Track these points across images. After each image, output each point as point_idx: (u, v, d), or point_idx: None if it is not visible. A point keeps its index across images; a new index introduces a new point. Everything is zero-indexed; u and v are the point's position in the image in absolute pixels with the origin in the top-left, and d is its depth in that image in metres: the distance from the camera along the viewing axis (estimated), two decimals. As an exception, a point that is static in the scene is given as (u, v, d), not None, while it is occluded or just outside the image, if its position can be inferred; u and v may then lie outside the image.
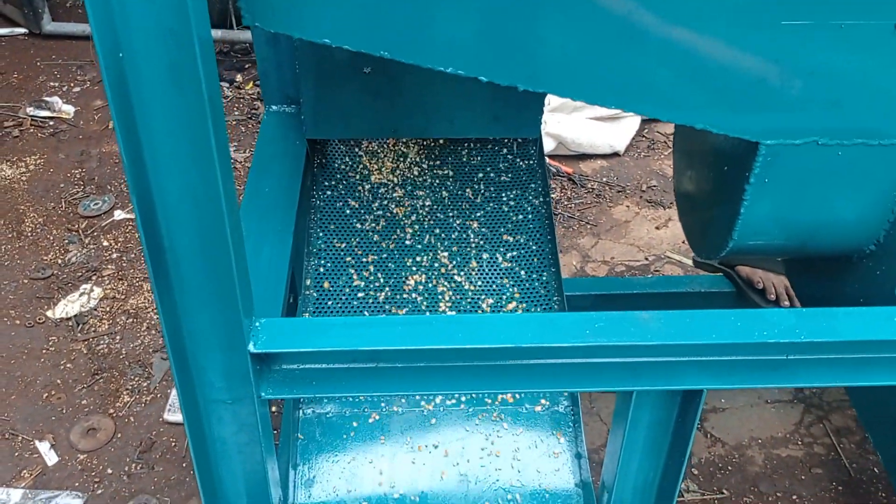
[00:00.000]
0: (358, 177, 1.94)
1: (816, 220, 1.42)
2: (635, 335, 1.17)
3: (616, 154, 3.75)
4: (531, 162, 1.96)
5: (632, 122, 3.80)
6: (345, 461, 1.56)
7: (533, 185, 1.92)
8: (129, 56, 0.94)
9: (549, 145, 3.63)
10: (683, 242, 3.27)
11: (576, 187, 3.59)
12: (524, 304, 1.72)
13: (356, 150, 1.99)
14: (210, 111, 0.98)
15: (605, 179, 3.64)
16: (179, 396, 1.24)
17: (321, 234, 1.84)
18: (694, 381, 1.23)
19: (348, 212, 1.88)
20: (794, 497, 2.42)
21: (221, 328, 1.15)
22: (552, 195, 3.38)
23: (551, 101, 3.78)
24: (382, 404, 1.62)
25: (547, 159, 3.65)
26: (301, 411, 1.62)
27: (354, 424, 1.62)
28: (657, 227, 3.39)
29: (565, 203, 3.49)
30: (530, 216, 1.88)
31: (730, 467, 2.49)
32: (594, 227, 3.38)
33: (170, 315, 1.15)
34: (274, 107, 1.93)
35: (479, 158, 1.97)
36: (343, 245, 1.82)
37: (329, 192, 1.91)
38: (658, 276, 3.12)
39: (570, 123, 3.66)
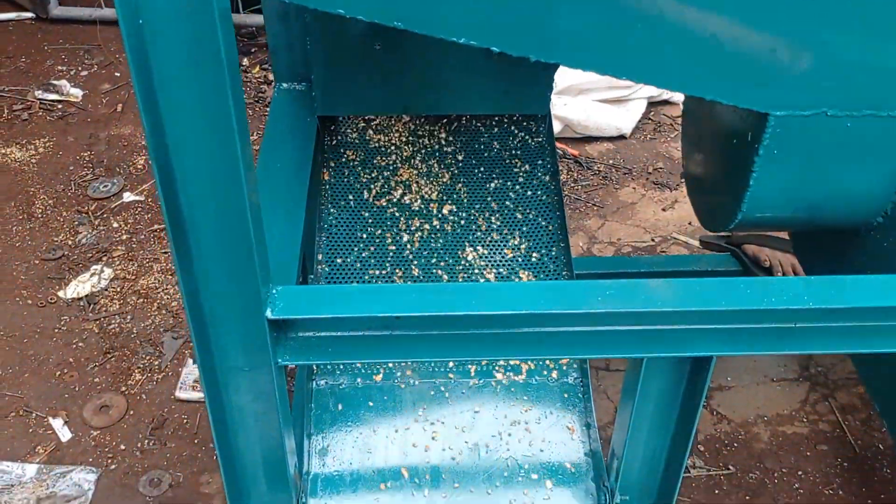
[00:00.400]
0: (369, 153, 1.96)
1: (825, 192, 1.44)
2: (645, 302, 1.19)
3: (622, 137, 3.76)
4: (540, 139, 1.98)
5: (638, 105, 3.80)
6: (358, 432, 1.58)
7: (542, 162, 1.94)
8: (149, 23, 0.96)
9: (556, 127, 3.64)
10: (690, 224, 3.28)
11: (582, 169, 3.60)
12: (534, 278, 1.74)
13: (367, 126, 2.00)
14: (229, 78, 0.99)
15: (611, 162, 3.65)
16: (199, 366, 1.26)
17: (332, 211, 1.85)
18: (703, 348, 1.25)
19: (359, 187, 1.89)
20: (800, 473, 2.44)
21: (239, 296, 1.16)
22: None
23: (557, 83, 3.78)
24: (397, 374, 1.64)
25: (553, 141, 3.66)
26: (314, 383, 1.64)
27: (369, 400, 1.64)
28: (663, 209, 3.40)
29: (571, 185, 3.50)
30: (539, 192, 1.89)
31: (735, 444, 2.52)
32: (600, 209, 3.39)
33: (189, 284, 1.16)
34: (284, 84, 1.94)
35: (488, 136, 1.98)
36: (354, 220, 1.84)
37: (340, 169, 1.93)
38: (665, 255, 3.14)
39: (576, 106, 3.67)
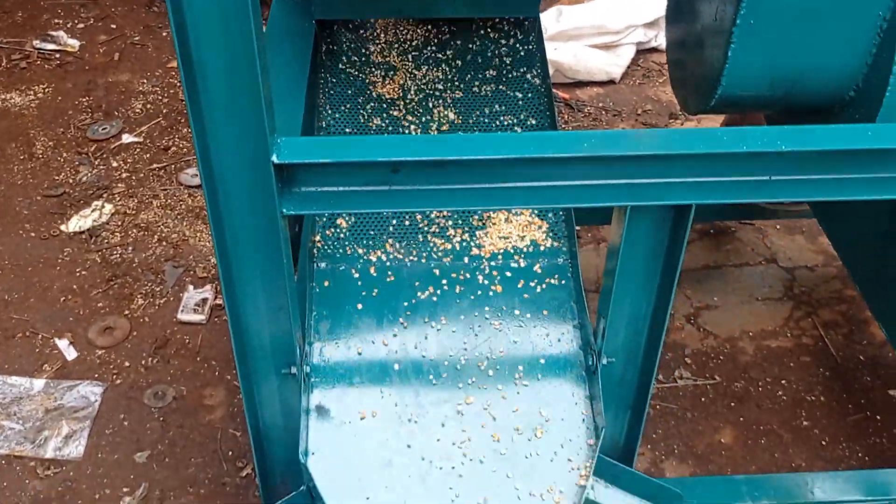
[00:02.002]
0: (365, 58, 2.02)
1: (800, 64, 1.51)
2: (628, 147, 1.26)
3: (612, 81, 3.83)
4: (530, 46, 2.05)
5: (627, 51, 3.87)
6: (356, 309, 1.66)
7: (532, 67, 2.01)
8: None
9: (546, 71, 3.71)
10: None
11: (573, 111, 3.68)
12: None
13: (362, 35, 2.07)
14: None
15: (601, 104, 3.73)
16: (210, 222, 1.33)
17: (329, 111, 1.93)
18: (684, 196, 1.33)
19: (359, 84, 1.96)
20: (783, 382, 2.53)
21: (248, 143, 1.23)
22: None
23: (548, 29, 3.85)
24: (395, 259, 1.69)
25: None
26: (316, 264, 1.72)
27: (367, 278, 1.71)
28: (652, 148, 3.48)
29: (563, 126, 3.58)
30: (530, 94, 1.97)
31: (721, 357, 2.61)
32: (591, 148, 3.46)
33: (201, 136, 1.23)
34: (283, -7, 2.01)
35: (480, 42, 2.05)
36: (351, 119, 1.91)
37: (337, 72, 2.00)
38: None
39: (567, 50, 3.74)
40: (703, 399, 2.48)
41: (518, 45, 2.06)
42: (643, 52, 3.99)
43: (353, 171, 1.28)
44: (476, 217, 1.78)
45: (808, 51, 1.48)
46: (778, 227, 3.05)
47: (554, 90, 3.75)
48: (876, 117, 1.48)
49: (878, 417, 2.43)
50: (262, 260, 1.37)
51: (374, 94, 1.98)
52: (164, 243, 2.97)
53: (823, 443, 2.37)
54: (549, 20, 3.90)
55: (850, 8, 1.43)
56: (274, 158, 1.24)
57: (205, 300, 2.74)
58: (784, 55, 1.49)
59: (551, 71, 3.73)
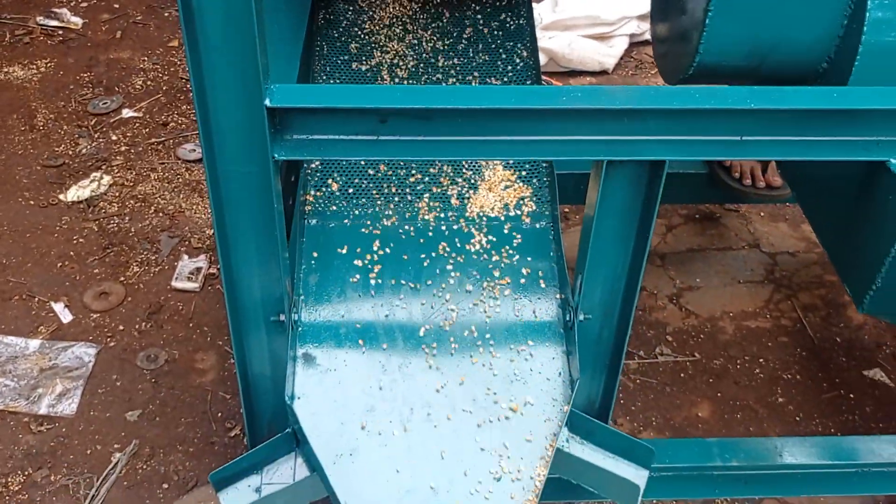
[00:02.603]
0: (359, 30, 2.09)
1: (774, 35, 1.58)
2: (603, 101, 1.32)
3: (605, 72, 3.90)
4: (520, 21, 2.12)
5: (620, 42, 3.94)
6: (344, 266, 1.72)
7: (521, 42, 2.08)
8: None
9: (540, 60, 3.77)
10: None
11: (565, 100, 3.74)
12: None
13: (359, 4, 2.13)
14: None
15: (593, 93, 3.79)
16: (206, 169, 1.39)
17: (324, 78, 1.99)
18: (657, 152, 1.39)
19: (354, 53, 2.02)
20: (761, 360, 2.59)
21: (241, 86, 1.29)
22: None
23: (543, 19, 3.92)
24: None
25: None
26: (307, 221, 1.78)
27: (358, 246, 1.77)
28: (642, 136, 3.55)
29: (555, 113, 3.64)
30: (520, 67, 2.03)
31: (702, 335, 2.67)
32: (582, 135, 3.53)
33: (199, 80, 1.29)
34: (281, -36, 2.07)
35: (472, 17, 2.12)
36: (348, 82, 1.97)
37: (333, 40, 2.06)
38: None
39: (562, 40, 3.80)
40: (682, 375, 2.54)
41: (508, 20, 2.13)
42: (636, 44, 4.06)
43: (342, 118, 1.34)
44: (463, 180, 1.84)
45: (781, 21, 1.55)
46: (762, 214, 3.12)
47: (548, 79, 3.83)
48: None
49: (852, 396, 2.49)
50: (254, 206, 1.43)
51: (370, 62, 2.04)
52: (161, 214, 3.03)
53: (797, 418, 2.43)
54: (545, 10, 3.97)
55: (822, -19, 1.50)
56: (267, 102, 1.30)
57: (199, 269, 2.80)
58: (758, 25, 1.55)
59: (546, 59, 3.81)
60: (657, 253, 2.94)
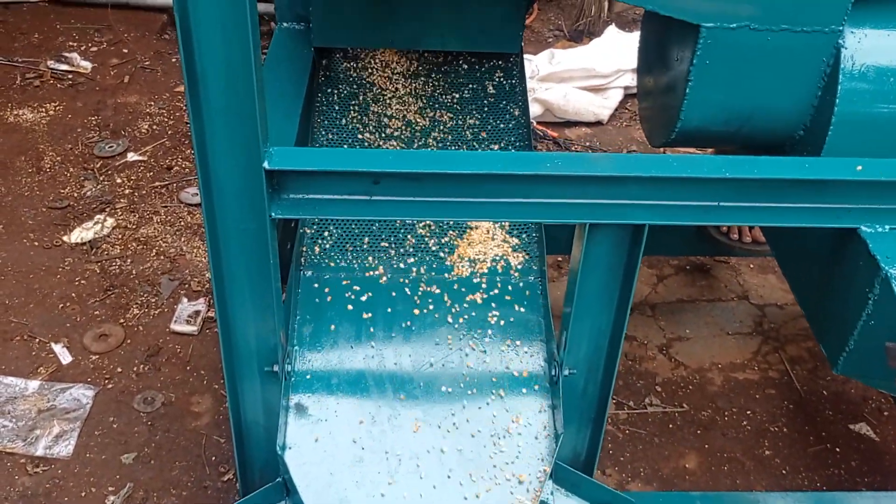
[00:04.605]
0: (358, 86, 2.17)
1: (752, 103, 1.65)
2: (586, 168, 1.39)
3: (599, 122, 3.99)
4: (513, 81, 2.20)
5: (615, 94, 4.04)
6: (338, 317, 1.77)
7: (513, 99, 2.16)
8: None
9: (537, 110, 3.87)
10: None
11: (560, 149, 3.83)
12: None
13: (357, 63, 2.22)
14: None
15: (588, 144, 3.88)
16: (205, 225, 1.45)
17: (323, 132, 2.06)
18: (638, 216, 1.45)
19: (353, 107, 2.10)
20: (748, 412, 2.63)
21: (243, 149, 1.36)
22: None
23: (540, 71, 4.03)
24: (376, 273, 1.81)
25: (534, 123, 3.89)
26: (302, 272, 1.84)
27: (349, 291, 1.83)
28: (636, 187, 3.62)
29: (551, 163, 3.72)
30: (511, 124, 2.11)
31: (690, 387, 2.71)
32: (577, 185, 3.60)
33: (201, 142, 1.35)
34: (285, 24, 2.16)
35: (466, 75, 2.20)
36: (345, 142, 2.05)
37: (332, 97, 2.14)
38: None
39: (558, 91, 3.90)
40: (670, 426, 2.58)
41: (502, 79, 2.21)
42: (630, 96, 4.16)
43: (336, 179, 1.40)
44: (453, 233, 1.90)
45: (758, 91, 1.62)
46: (751, 266, 3.18)
47: (543, 128, 3.92)
48: (820, 155, 1.62)
49: (838, 450, 2.52)
50: (252, 261, 1.49)
51: (366, 118, 2.12)
52: (162, 257, 3.09)
53: (784, 471, 2.46)
54: (542, 62, 4.07)
55: (796, 53, 1.57)
56: (265, 165, 1.37)
57: (198, 312, 2.85)
58: (737, 94, 1.63)
59: (542, 110, 3.90)
60: (648, 303, 3.00)
